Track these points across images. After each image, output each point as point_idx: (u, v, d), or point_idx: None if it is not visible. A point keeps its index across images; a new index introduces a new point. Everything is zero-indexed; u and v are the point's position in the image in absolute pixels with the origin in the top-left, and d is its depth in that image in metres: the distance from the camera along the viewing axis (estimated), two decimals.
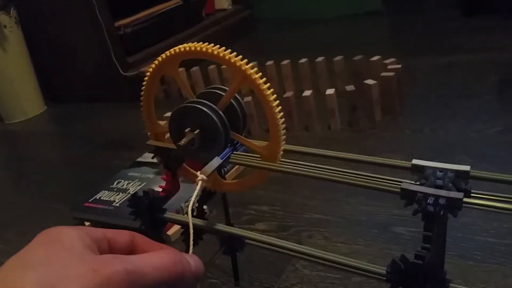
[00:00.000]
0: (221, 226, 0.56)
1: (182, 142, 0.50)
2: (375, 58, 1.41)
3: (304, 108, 1.28)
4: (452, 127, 1.18)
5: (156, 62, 0.52)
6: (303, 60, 1.55)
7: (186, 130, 0.50)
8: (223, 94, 0.52)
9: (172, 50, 0.50)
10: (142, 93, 0.55)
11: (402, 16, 2.34)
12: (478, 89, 1.37)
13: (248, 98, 1.28)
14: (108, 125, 1.68)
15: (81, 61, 1.90)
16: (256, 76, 0.48)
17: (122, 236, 0.32)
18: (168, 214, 0.55)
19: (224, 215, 0.70)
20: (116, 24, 1.84)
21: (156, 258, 0.28)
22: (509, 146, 1.06)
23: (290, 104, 1.29)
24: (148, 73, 0.53)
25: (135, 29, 1.88)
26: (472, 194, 0.50)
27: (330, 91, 1.27)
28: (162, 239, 0.90)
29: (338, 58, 1.51)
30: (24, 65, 1.90)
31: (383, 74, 1.28)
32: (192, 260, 0.32)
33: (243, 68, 0.48)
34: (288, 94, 1.31)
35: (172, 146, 0.54)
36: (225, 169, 1.04)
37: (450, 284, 0.43)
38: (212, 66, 1.65)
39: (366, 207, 0.93)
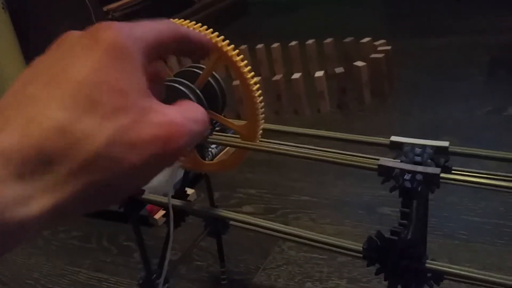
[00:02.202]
0: (202, 207, 0.55)
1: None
2: (365, 40, 1.40)
3: (293, 91, 1.28)
4: (441, 109, 1.18)
5: None
6: (293, 43, 1.53)
7: None
8: (201, 72, 0.51)
9: None
10: None
11: None
12: (468, 70, 1.36)
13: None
14: None
15: None
16: (233, 53, 0.47)
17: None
18: (147, 196, 0.55)
19: (208, 197, 0.70)
20: (105, 8, 1.82)
21: (200, 120, 0.26)
22: (496, 127, 1.06)
23: (279, 87, 1.28)
24: None
25: (124, 13, 1.86)
26: (453, 171, 0.50)
27: (319, 73, 1.26)
28: (145, 220, 0.90)
29: (328, 40, 1.50)
30: (12, 51, 1.87)
31: (373, 56, 1.27)
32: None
33: (220, 45, 0.47)
34: (277, 77, 1.30)
35: None
36: (214, 151, 1.04)
37: (427, 261, 0.42)
38: None
39: (353, 188, 0.93)
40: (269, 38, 1.66)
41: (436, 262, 0.42)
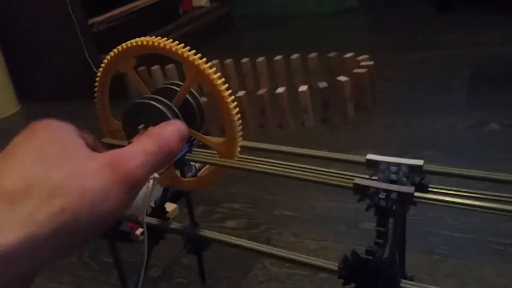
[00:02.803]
0: (180, 226, 0.55)
1: (134, 139, 0.49)
2: (349, 55, 1.41)
3: (278, 105, 1.28)
4: (423, 122, 1.19)
5: (109, 57, 0.51)
6: (278, 57, 1.54)
7: (140, 127, 0.49)
8: (178, 89, 0.51)
9: (124, 45, 0.49)
10: (95, 88, 0.54)
11: (378, 13, 2.35)
12: (450, 84, 1.38)
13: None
14: (82, 124, 1.64)
15: (55, 59, 1.87)
16: (210, 71, 0.47)
17: (89, 138, 0.32)
18: (126, 215, 0.54)
19: (188, 213, 0.70)
20: (90, 21, 1.82)
21: (150, 142, 0.28)
22: (477, 141, 1.07)
23: (264, 101, 1.29)
24: (101, 68, 0.52)
25: (109, 26, 1.86)
26: (430, 189, 0.50)
27: (303, 88, 1.27)
28: (126, 236, 0.89)
29: (313, 55, 1.51)
30: None
31: (356, 70, 1.29)
32: (177, 125, 0.31)
33: (196, 63, 0.47)
34: (262, 91, 1.30)
35: (126, 143, 0.53)
36: (198, 165, 1.03)
37: (403, 280, 0.42)
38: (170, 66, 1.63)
39: (336, 203, 0.93)
40: (254, 52, 1.67)
41: (411, 282, 0.42)
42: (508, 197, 0.48)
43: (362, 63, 1.32)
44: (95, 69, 1.75)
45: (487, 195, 0.49)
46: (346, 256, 0.43)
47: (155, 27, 2.03)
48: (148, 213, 0.62)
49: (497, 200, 0.49)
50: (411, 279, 0.52)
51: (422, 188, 0.49)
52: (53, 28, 1.79)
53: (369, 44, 1.96)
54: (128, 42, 0.49)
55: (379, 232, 0.44)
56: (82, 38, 1.73)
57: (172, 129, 0.30)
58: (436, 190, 0.49)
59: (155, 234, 0.62)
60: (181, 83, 0.52)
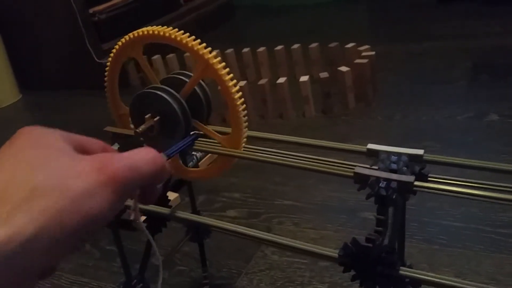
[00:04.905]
0: (183, 214, 0.56)
1: (140, 128, 0.49)
2: (350, 45, 1.41)
3: (279, 95, 1.28)
4: (423, 113, 1.19)
5: (120, 43, 0.51)
6: (279, 47, 1.54)
7: (146, 116, 0.50)
8: (187, 80, 0.51)
9: (135, 33, 0.50)
10: (105, 74, 0.54)
11: (379, 3, 2.34)
12: (450, 75, 1.38)
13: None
14: (83, 113, 1.66)
15: (56, 48, 1.86)
16: (219, 66, 0.47)
17: (95, 144, 0.31)
18: (129, 203, 0.55)
19: (190, 202, 0.70)
20: (91, 10, 1.81)
21: (143, 153, 0.28)
22: (477, 132, 1.08)
23: (265, 91, 1.29)
24: (112, 54, 0.53)
25: (110, 15, 1.86)
26: (430, 178, 0.51)
27: (304, 78, 1.27)
28: (128, 224, 0.90)
29: (314, 45, 1.51)
30: None
31: (357, 61, 1.29)
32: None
33: (206, 57, 0.47)
34: (263, 81, 1.30)
35: (131, 132, 0.53)
36: (199, 155, 1.04)
37: (402, 268, 0.43)
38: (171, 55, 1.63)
39: (336, 193, 0.94)
40: (255, 42, 1.66)
41: (410, 269, 0.43)
42: (507, 187, 0.49)
43: (363, 54, 1.32)
44: (96, 58, 1.76)
45: (486, 184, 0.50)
46: (346, 244, 0.43)
47: (155, 16, 2.03)
48: None
49: (496, 189, 0.50)
50: (410, 267, 0.53)
51: (422, 177, 0.50)
52: (54, 17, 1.79)
53: (370, 35, 1.96)
54: (139, 30, 0.49)
55: (379, 220, 0.45)
56: (83, 27, 1.73)
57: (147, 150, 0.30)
58: (436, 179, 0.50)
59: (158, 222, 0.63)
60: (190, 73, 0.53)
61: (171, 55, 1.65)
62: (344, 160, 0.53)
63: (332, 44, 1.49)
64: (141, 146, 0.57)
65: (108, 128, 0.57)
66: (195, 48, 0.47)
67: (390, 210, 0.47)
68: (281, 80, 1.27)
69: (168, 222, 0.64)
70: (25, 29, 1.88)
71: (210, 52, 0.48)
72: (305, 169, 0.46)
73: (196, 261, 0.80)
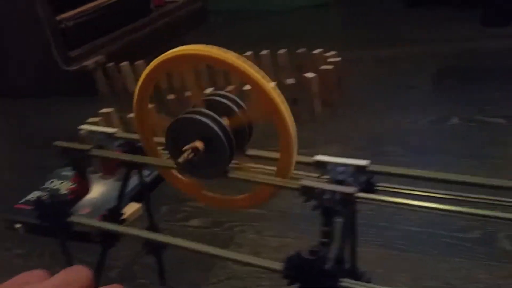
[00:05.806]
0: (134, 230, 0.55)
1: (181, 159, 0.46)
2: (317, 51, 1.42)
3: (246, 101, 1.28)
4: (387, 118, 1.21)
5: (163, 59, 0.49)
6: (248, 53, 1.54)
7: (185, 148, 0.47)
8: (235, 109, 0.50)
9: (178, 51, 0.48)
10: (135, 92, 0.51)
11: (350, 8, 2.37)
12: (416, 80, 1.40)
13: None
14: (48, 122, 1.63)
15: (22, 55, 1.83)
16: (279, 100, 0.49)
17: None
18: (75, 218, 0.54)
19: (147, 216, 0.69)
20: (58, 17, 1.79)
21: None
22: (440, 136, 1.10)
23: None
24: (142, 77, 0.50)
25: (78, 22, 1.83)
26: (377, 188, 0.51)
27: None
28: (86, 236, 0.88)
29: (282, 51, 1.52)
30: None
31: (323, 67, 1.30)
32: None
33: (272, 96, 0.48)
34: (230, 87, 1.30)
35: (79, 146, 0.53)
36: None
37: (344, 279, 0.43)
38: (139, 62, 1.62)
39: (299, 200, 0.94)
40: (226, 47, 1.65)
41: (351, 281, 0.43)
42: (454, 195, 0.50)
43: (330, 60, 1.33)
44: (63, 66, 1.73)
45: (434, 193, 0.51)
46: (290, 256, 0.43)
47: (125, 22, 2.01)
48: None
49: (443, 198, 0.51)
50: (363, 275, 0.53)
51: (370, 187, 0.50)
52: (20, 25, 1.76)
53: (339, 40, 1.97)
54: (184, 50, 0.48)
55: (324, 232, 0.45)
56: (50, 34, 1.70)
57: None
58: (382, 189, 0.51)
59: (111, 237, 0.62)
60: (230, 94, 0.51)
61: (139, 62, 1.64)
62: (295, 170, 0.53)
63: (300, 50, 1.50)
64: (90, 162, 0.56)
65: (58, 143, 0.57)
66: (260, 83, 0.47)
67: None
68: (247, 87, 1.27)
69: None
70: None
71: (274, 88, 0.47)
72: (252, 181, 0.46)
73: (156, 273, 0.80)
